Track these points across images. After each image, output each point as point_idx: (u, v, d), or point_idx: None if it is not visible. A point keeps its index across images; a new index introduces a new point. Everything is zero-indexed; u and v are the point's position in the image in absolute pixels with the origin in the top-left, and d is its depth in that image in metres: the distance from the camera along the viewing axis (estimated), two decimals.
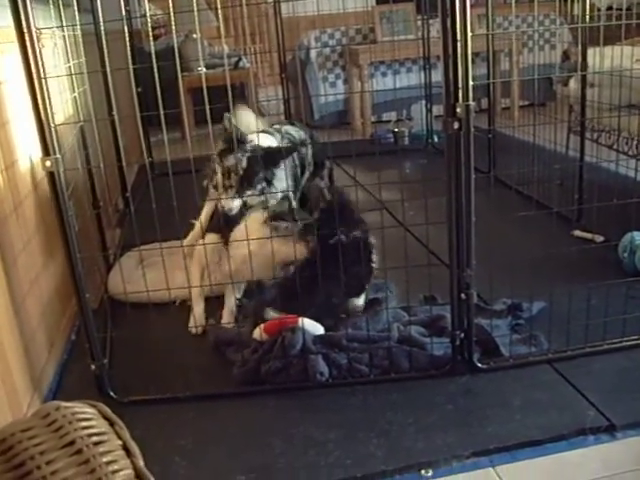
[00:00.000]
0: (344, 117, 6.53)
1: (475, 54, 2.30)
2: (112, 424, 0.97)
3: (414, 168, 5.00)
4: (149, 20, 5.03)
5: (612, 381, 2.18)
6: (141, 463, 0.91)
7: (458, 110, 1.98)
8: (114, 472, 0.89)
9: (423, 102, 5.63)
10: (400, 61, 6.46)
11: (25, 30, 1.82)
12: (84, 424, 0.92)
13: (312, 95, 6.46)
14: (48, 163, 1.95)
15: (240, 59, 6.71)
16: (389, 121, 6.11)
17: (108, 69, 3.28)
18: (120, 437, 0.95)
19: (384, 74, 6.55)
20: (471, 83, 1.97)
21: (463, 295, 2.16)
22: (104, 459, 0.88)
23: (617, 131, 3.63)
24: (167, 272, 2.38)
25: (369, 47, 6.12)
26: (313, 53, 6.42)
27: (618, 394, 2.10)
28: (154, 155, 5.03)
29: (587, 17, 3.16)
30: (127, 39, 2.71)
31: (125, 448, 0.92)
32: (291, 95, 6.21)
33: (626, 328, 2.33)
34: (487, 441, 1.93)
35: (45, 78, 1.89)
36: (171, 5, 2.17)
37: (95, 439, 0.90)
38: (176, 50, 2.10)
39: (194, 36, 6.01)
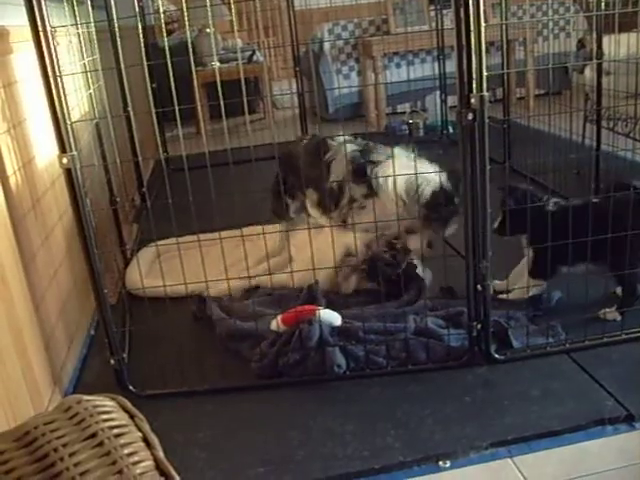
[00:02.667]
0: (358, 109, 6.52)
1: (490, 43, 2.28)
2: (132, 417, 0.98)
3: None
4: (162, 15, 5.03)
5: (630, 371, 2.17)
6: (161, 455, 0.93)
7: (472, 101, 1.97)
8: (135, 463, 0.91)
9: (438, 93, 5.61)
10: (414, 52, 6.43)
11: (40, 28, 1.83)
12: (105, 417, 0.93)
13: (326, 88, 6.45)
14: (65, 160, 1.97)
15: (254, 53, 6.72)
16: (404, 113, 6.10)
17: (122, 66, 3.29)
18: (140, 429, 0.96)
19: (398, 65, 6.53)
20: (485, 74, 1.96)
21: (479, 287, 2.15)
22: (125, 451, 0.90)
23: (634, 119, 3.60)
24: (184, 266, 2.40)
25: (382, 38, 6.10)
26: (326, 45, 6.41)
27: (636, 384, 2.09)
28: (169, 150, 5.06)
29: (602, 4, 3.14)
30: (140, 35, 2.70)
31: (145, 440, 0.94)
32: (305, 89, 6.22)
33: None
34: (505, 432, 1.93)
35: (60, 76, 1.90)
36: (184, 0, 2.18)
37: (116, 431, 0.91)
38: (189, 45, 2.10)
39: (207, 31, 6.02)
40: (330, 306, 2.47)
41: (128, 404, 1.00)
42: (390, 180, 2.52)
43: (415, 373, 2.24)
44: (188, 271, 2.43)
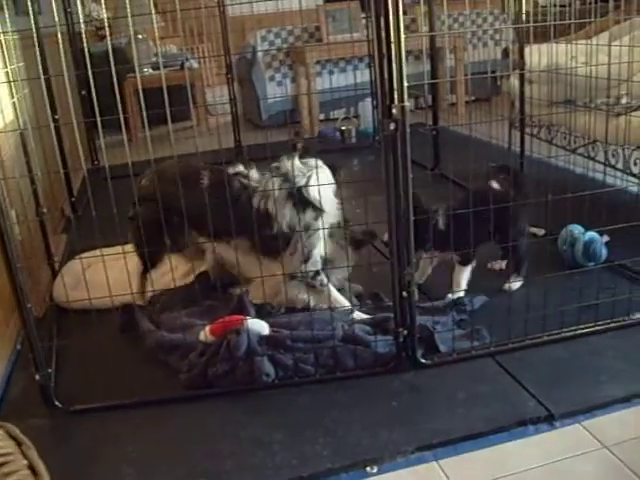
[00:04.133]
0: (292, 116, 6.53)
1: (420, 51, 2.31)
2: (19, 444, 0.97)
3: (361, 166, 5.04)
4: (86, 22, 4.96)
5: (551, 372, 2.23)
6: None
7: (394, 111, 2.01)
8: None
9: (369, 100, 5.67)
10: (346, 59, 6.49)
11: None
12: None
13: (260, 98, 6.45)
14: None
15: (186, 60, 6.66)
16: (336, 119, 6.14)
17: (41, 75, 3.21)
18: (26, 457, 0.95)
19: (331, 72, 6.56)
20: (406, 84, 2.00)
21: (405, 293, 2.19)
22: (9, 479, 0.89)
23: (555, 126, 3.71)
24: (112, 278, 2.37)
25: (315, 46, 6.14)
26: (260, 53, 6.41)
27: (556, 384, 2.16)
28: (101, 159, 4.97)
29: (523, 15, 3.24)
30: (60, 42, 2.64)
31: (31, 468, 0.93)
32: (240, 95, 6.20)
33: (564, 319, 2.39)
34: (431, 436, 1.97)
35: None
36: (104, 9, 2.16)
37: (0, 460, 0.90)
38: (110, 52, 2.08)
39: (139, 37, 5.96)
40: (258, 315, 2.48)
41: (16, 431, 0.99)
42: (321, 190, 2.50)
43: (343, 380, 2.26)
44: (116, 282, 2.41)
